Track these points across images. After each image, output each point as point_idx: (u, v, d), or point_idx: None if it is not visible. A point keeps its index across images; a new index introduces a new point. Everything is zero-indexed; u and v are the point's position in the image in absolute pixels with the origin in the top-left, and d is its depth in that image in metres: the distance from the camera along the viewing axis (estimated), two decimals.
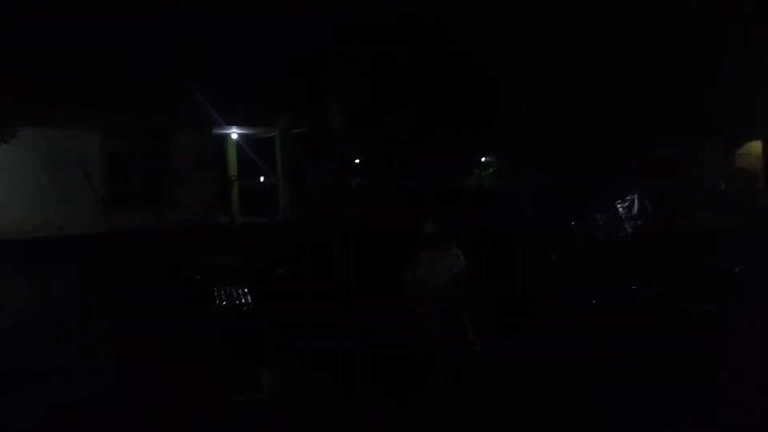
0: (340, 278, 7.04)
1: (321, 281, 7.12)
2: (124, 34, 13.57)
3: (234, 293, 7.10)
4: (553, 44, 10.98)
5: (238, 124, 17.43)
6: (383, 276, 6.12)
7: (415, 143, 12.49)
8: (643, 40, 11.29)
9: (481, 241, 6.84)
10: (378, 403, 4.50)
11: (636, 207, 11.10)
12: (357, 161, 17.82)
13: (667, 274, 8.08)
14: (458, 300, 5.56)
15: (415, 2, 11.50)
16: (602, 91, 11.03)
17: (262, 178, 19.40)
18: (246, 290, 7.13)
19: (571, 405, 4.46)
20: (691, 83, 11.48)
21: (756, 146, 16.32)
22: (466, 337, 5.42)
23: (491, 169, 19.14)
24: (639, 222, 10.92)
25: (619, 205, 11.02)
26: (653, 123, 10.74)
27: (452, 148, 12.53)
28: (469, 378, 4.93)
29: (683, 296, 7.20)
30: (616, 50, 11.08)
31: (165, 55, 14.10)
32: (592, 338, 5.95)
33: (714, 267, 8.72)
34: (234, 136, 18.67)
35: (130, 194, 15.34)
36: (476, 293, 5.66)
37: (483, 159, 19.46)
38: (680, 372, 4.99)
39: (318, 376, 5.13)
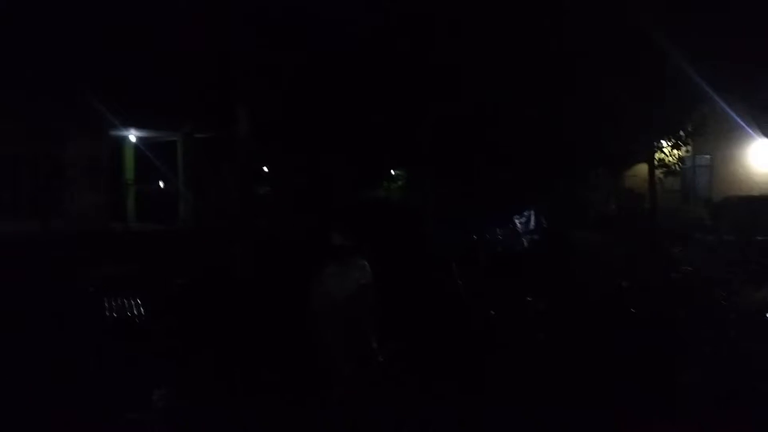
0: (242, 290, 6.82)
1: (222, 292, 6.86)
2: (9, 30, 12.49)
3: (127, 304, 6.69)
4: (460, 65, 11.36)
5: (137, 126, 16.51)
6: (287, 287, 5.99)
7: (324, 153, 12.44)
8: (545, 69, 11.94)
9: (387, 253, 6.93)
10: (273, 415, 4.39)
11: (532, 223, 11.75)
12: (265, 169, 17.43)
13: (558, 287, 8.49)
14: (364, 312, 5.55)
15: (325, 10, 11.50)
16: (505, 112, 11.54)
17: (161, 184, 18.48)
18: (140, 301, 6.74)
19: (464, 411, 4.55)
20: (588, 112, 12.35)
21: (642, 168, 17.68)
22: (370, 349, 5.41)
23: (399, 182, 19.52)
24: (535, 237, 11.56)
25: (517, 221, 11.61)
26: (552, 146, 11.42)
27: (361, 160, 12.64)
28: (369, 390, 4.91)
29: (571, 309, 7.57)
30: (519, 75, 11.64)
31: (56, 52, 13.09)
32: (490, 348, 6.15)
33: (602, 281, 9.25)
34: (132, 139, 17.66)
35: (14, 200, 14.15)
36: (382, 305, 5.70)
37: (392, 172, 19.85)
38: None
39: (212, 389, 4.91)
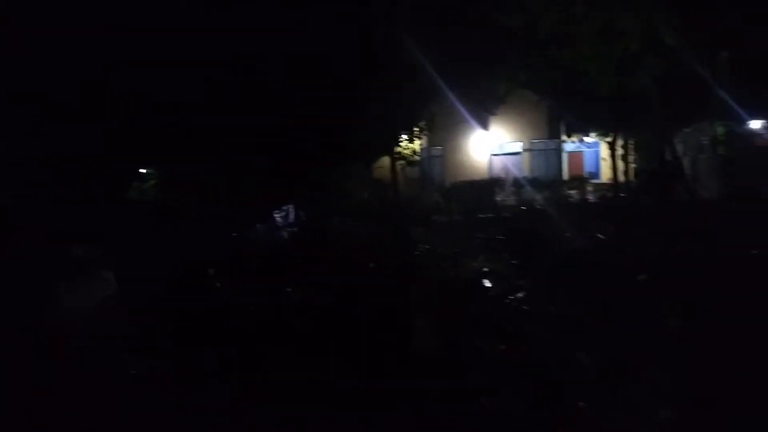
0: None
1: None
2: None
3: None
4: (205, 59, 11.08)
5: None
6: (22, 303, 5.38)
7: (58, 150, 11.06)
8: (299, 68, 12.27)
9: (135, 261, 6.62)
10: None
11: (291, 216, 12.23)
12: None
13: (318, 277, 9.02)
14: (110, 322, 5.31)
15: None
16: (258, 107, 11.62)
17: None
18: None
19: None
20: (338, 111, 13.13)
21: (385, 160, 19.44)
22: (122, 359, 5.21)
23: (152, 182, 18.26)
24: (294, 230, 12.05)
25: (276, 215, 11.96)
26: (306, 140, 11.89)
27: (106, 158, 11.55)
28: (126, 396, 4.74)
29: (328, 294, 8.14)
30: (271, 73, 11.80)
31: None
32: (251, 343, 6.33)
33: (354, 264, 10.05)
34: None
35: None
36: (129, 314, 5.48)
37: (143, 171, 18.45)
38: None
39: None
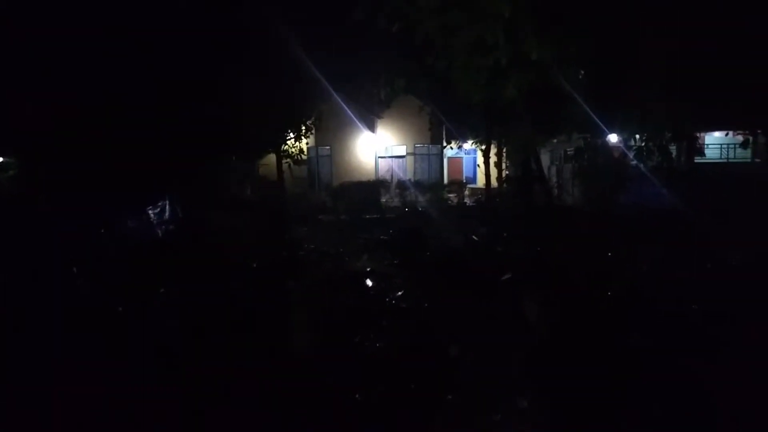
0: None
1: None
2: None
3: None
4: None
5: None
6: None
7: None
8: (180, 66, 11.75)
9: None
10: None
11: (167, 212, 11.64)
12: None
13: (192, 273, 8.72)
14: None
15: None
16: (130, 97, 11.00)
17: None
18: None
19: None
20: (219, 106, 12.75)
21: (272, 158, 19.16)
22: None
23: (11, 172, 16.66)
24: (171, 227, 11.50)
25: (150, 211, 11.34)
26: (180, 133, 11.41)
27: None
28: None
29: (205, 292, 7.91)
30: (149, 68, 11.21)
31: None
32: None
33: (236, 263, 9.83)
34: None
35: None
36: None
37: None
38: None
39: None
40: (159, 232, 11.03)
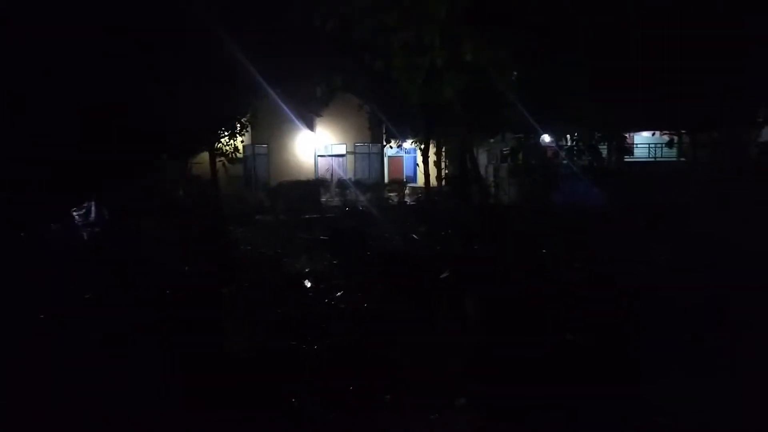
0: None
1: None
2: None
3: None
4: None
5: None
6: None
7: None
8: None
9: None
10: None
11: (93, 215, 11.07)
12: None
13: (116, 279, 8.33)
14: None
15: None
16: (52, 91, 10.37)
17: None
18: None
19: None
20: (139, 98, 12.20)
21: (206, 156, 18.59)
22: None
23: None
24: (96, 229, 10.93)
25: (75, 213, 10.74)
26: (106, 131, 10.86)
27: None
28: None
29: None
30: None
31: None
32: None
33: (165, 267, 9.48)
34: None
35: None
36: None
37: None
38: None
39: None
40: (84, 235, 10.48)
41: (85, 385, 4.97)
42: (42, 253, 9.22)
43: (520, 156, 12.04)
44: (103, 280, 8.16)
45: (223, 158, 17.56)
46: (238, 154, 18.51)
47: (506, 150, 16.01)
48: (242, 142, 20.49)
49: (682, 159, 19.87)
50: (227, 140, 17.64)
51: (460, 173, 12.03)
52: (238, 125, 17.52)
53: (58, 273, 8.47)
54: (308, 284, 8.89)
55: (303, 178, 22.72)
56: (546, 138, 13.38)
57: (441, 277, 8.02)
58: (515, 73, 8.02)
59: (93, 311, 7.13)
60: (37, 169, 9.54)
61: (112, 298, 7.48)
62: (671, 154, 20.52)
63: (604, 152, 12.80)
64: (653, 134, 20.66)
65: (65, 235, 10.27)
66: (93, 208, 11.01)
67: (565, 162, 11.88)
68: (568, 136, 11.45)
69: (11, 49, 8.44)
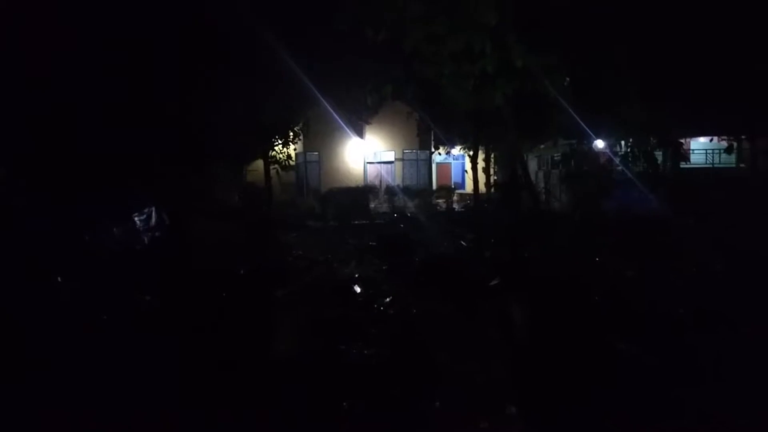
0: None
1: None
2: None
3: None
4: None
5: None
6: None
7: None
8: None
9: None
10: None
11: (154, 220, 11.55)
12: None
13: (178, 281, 8.66)
14: None
15: None
16: (112, 102, 10.93)
17: None
18: None
19: None
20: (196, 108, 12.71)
21: (260, 164, 19.11)
22: None
23: None
24: (157, 234, 11.40)
25: (136, 218, 11.24)
26: (164, 140, 11.39)
27: None
28: None
29: (193, 300, 7.87)
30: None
31: None
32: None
33: (223, 269, 9.77)
34: None
35: None
36: None
37: None
38: None
39: None
40: (145, 239, 10.94)
41: (144, 383, 5.21)
42: (104, 255, 9.69)
43: (572, 162, 11.83)
44: (163, 283, 8.51)
45: (276, 165, 17.99)
46: (290, 162, 18.93)
47: (557, 156, 15.74)
48: (295, 149, 20.93)
49: (742, 165, 19.01)
50: (280, 148, 18.06)
51: (510, 179, 11.91)
52: (291, 133, 17.93)
53: (119, 275, 8.87)
54: (357, 289, 8.99)
55: (353, 184, 22.95)
56: (599, 144, 13.08)
57: (490, 284, 7.98)
58: (567, 77, 7.92)
59: (152, 313, 7.46)
60: (102, 174, 10.08)
61: (171, 300, 7.80)
62: (730, 160, 19.64)
63: (660, 158, 12.41)
64: (711, 140, 19.85)
65: (127, 239, 10.76)
66: (153, 214, 11.49)
67: (619, 168, 11.58)
68: (623, 142, 11.17)
69: (82, 64, 8.97)
